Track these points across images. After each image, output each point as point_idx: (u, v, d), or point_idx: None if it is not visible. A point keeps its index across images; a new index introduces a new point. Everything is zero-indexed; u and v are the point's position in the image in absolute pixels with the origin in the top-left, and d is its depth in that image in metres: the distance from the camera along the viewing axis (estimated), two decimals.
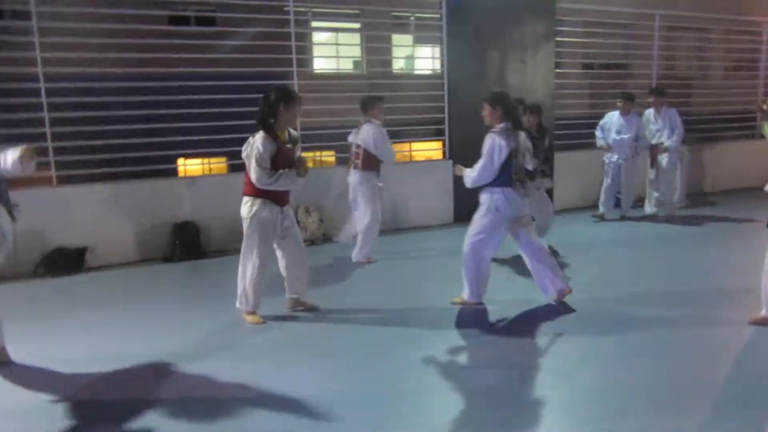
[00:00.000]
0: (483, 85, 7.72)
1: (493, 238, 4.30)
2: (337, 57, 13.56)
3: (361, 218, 5.89)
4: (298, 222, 6.75)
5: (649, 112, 7.68)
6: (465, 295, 4.45)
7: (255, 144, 3.98)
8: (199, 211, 6.48)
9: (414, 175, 7.53)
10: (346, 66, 15.22)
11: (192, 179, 7.27)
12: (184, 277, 5.71)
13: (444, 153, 7.72)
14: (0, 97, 5.74)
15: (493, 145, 4.11)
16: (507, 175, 4.14)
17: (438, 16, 7.56)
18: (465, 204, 7.67)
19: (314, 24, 13.23)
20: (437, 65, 8.01)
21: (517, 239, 4.38)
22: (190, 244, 6.25)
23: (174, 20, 11.71)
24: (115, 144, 6.55)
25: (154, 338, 4.01)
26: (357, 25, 13.50)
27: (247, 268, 4.17)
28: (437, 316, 4.29)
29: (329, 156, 13.50)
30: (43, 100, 5.88)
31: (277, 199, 4.12)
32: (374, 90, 12.19)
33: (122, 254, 6.21)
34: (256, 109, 4.11)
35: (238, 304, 4.26)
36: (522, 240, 4.37)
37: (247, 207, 4.12)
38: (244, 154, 4.08)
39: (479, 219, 4.31)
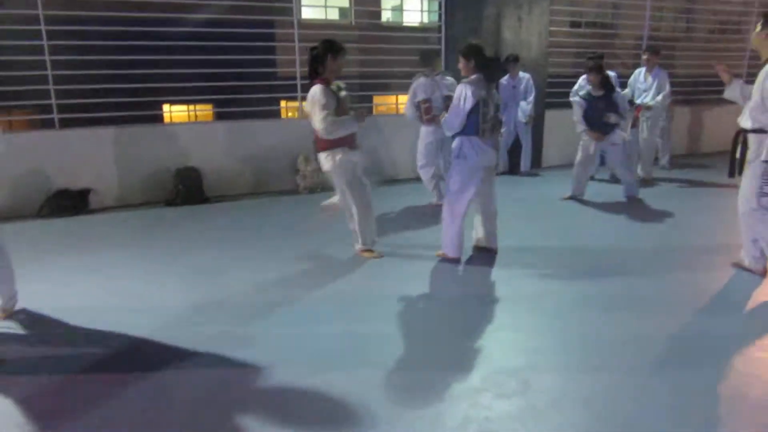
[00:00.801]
0: (480, 41, 7.86)
1: (466, 190, 4.38)
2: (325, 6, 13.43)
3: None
4: (297, 171, 6.99)
5: (639, 71, 7.82)
6: (445, 249, 4.56)
7: (316, 97, 4.09)
8: (201, 157, 6.61)
9: (405, 128, 7.62)
10: (333, 15, 15.08)
11: (192, 125, 7.33)
12: (186, 220, 5.84)
13: None
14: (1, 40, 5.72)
15: (460, 94, 4.22)
16: (473, 124, 4.25)
17: None
18: None
19: None
20: (429, 18, 7.95)
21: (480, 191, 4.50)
22: (192, 189, 6.40)
23: None
24: (115, 88, 6.59)
25: (154, 280, 4.17)
26: None
27: (354, 213, 4.49)
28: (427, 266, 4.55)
29: None
30: (44, 42, 5.88)
31: (351, 144, 4.33)
32: (363, 41, 12.15)
33: (125, 197, 6.35)
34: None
35: (356, 246, 4.62)
36: (485, 191, 4.52)
37: (329, 160, 4.29)
38: (307, 108, 4.23)
39: (451, 169, 4.44)
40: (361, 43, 12.26)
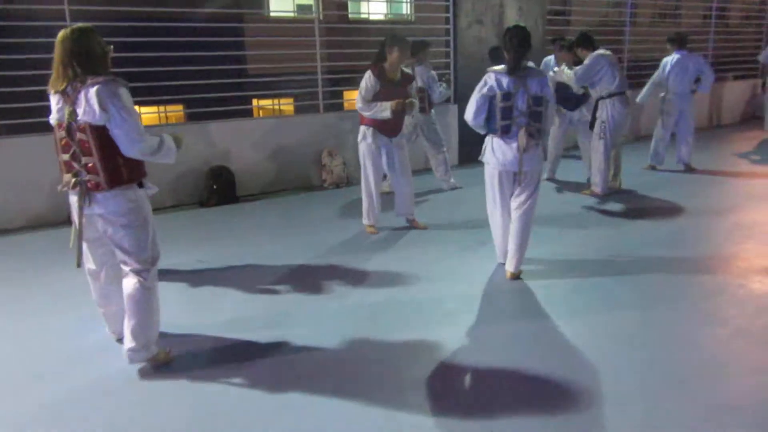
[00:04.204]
0: (485, 32, 8.05)
1: (492, 195, 4.19)
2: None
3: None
4: (323, 166, 6.99)
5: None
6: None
7: (363, 80, 4.69)
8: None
9: None
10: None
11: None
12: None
13: (450, 98, 7.93)
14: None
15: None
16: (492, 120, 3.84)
17: None
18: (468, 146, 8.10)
19: None
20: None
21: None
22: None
23: None
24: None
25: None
26: None
27: (362, 187, 5.02)
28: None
29: (287, 104, 13.20)
30: None
31: (384, 129, 4.73)
32: (361, 34, 11.98)
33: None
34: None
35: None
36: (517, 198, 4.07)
37: (359, 134, 4.91)
38: None
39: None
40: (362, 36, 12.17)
